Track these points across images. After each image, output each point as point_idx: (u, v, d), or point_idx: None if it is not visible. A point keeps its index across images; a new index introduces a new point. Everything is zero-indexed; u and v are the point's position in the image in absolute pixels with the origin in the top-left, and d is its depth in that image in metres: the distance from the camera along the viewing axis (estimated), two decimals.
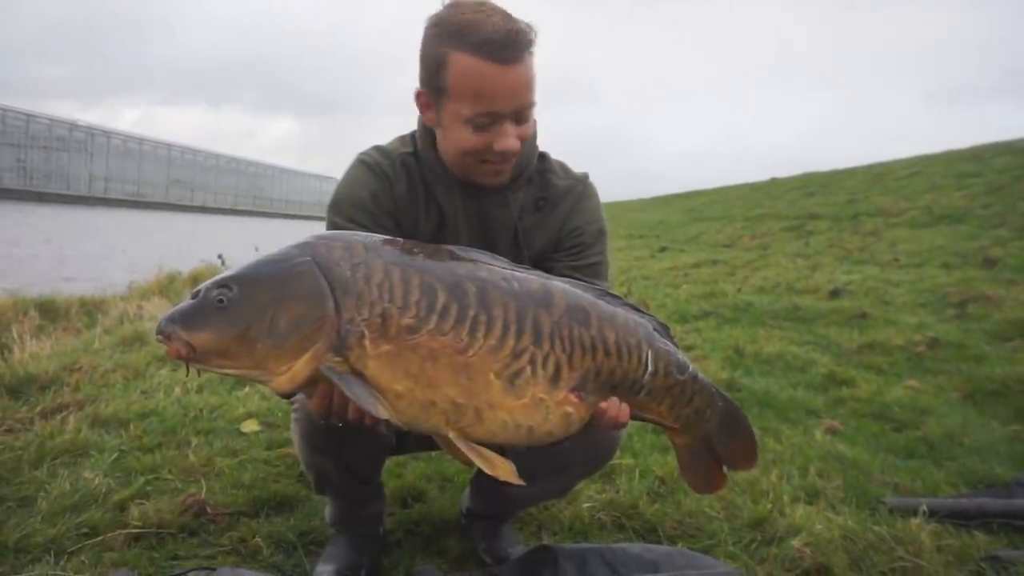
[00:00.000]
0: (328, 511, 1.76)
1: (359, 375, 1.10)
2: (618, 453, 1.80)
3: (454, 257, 1.21)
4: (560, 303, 1.21)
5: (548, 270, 1.37)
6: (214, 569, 1.58)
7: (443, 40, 1.32)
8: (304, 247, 1.15)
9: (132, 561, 1.66)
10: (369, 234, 1.24)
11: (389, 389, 1.11)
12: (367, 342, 1.10)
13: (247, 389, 2.93)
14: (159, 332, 1.08)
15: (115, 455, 2.21)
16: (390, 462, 2.09)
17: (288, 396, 1.28)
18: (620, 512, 2.01)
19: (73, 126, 37.25)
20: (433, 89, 1.36)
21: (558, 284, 1.25)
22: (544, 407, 1.18)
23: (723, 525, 1.97)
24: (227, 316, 1.08)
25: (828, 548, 1.80)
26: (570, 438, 1.25)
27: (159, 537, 1.77)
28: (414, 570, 1.69)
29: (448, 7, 1.36)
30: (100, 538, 1.74)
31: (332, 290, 1.10)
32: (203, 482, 2.06)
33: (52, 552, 1.65)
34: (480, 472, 1.45)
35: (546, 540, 1.88)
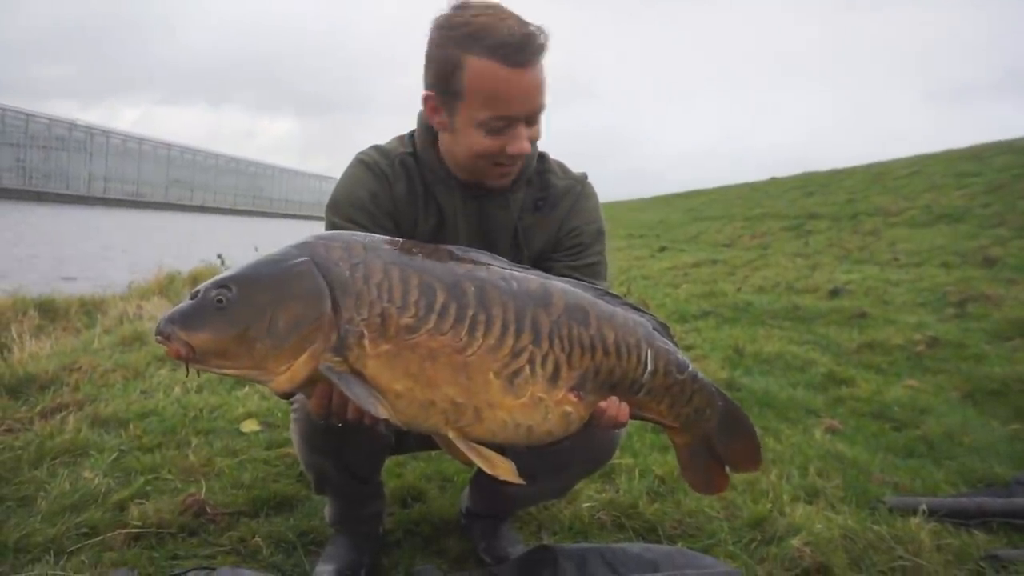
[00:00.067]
0: (328, 511, 1.76)
1: (358, 375, 1.10)
2: (618, 453, 1.80)
3: (453, 257, 1.21)
4: (559, 302, 1.21)
5: (547, 270, 1.37)
6: (214, 569, 1.58)
7: (456, 43, 1.31)
8: (303, 247, 1.15)
9: (132, 561, 1.66)
10: (368, 234, 1.24)
11: (388, 389, 1.11)
12: (366, 342, 1.10)
13: (247, 389, 2.93)
14: (158, 332, 1.09)
15: (115, 455, 2.21)
16: (390, 462, 2.09)
17: (287, 396, 1.28)
18: (620, 512, 2.01)
19: (72, 126, 37.24)
20: (445, 92, 1.35)
21: (557, 283, 1.25)
22: (543, 406, 1.18)
23: (723, 525, 1.97)
24: (226, 316, 1.08)
25: (828, 547, 1.80)
26: (569, 437, 1.25)
27: (159, 537, 1.77)
28: (414, 570, 1.69)
29: (456, 9, 1.35)
30: (100, 538, 1.74)
31: (331, 290, 1.10)
32: (203, 482, 2.06)
33: (52, 552, 1.65)
34: (480, 472, 1.45)
35: (546, 540, 1.88)
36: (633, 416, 1.30)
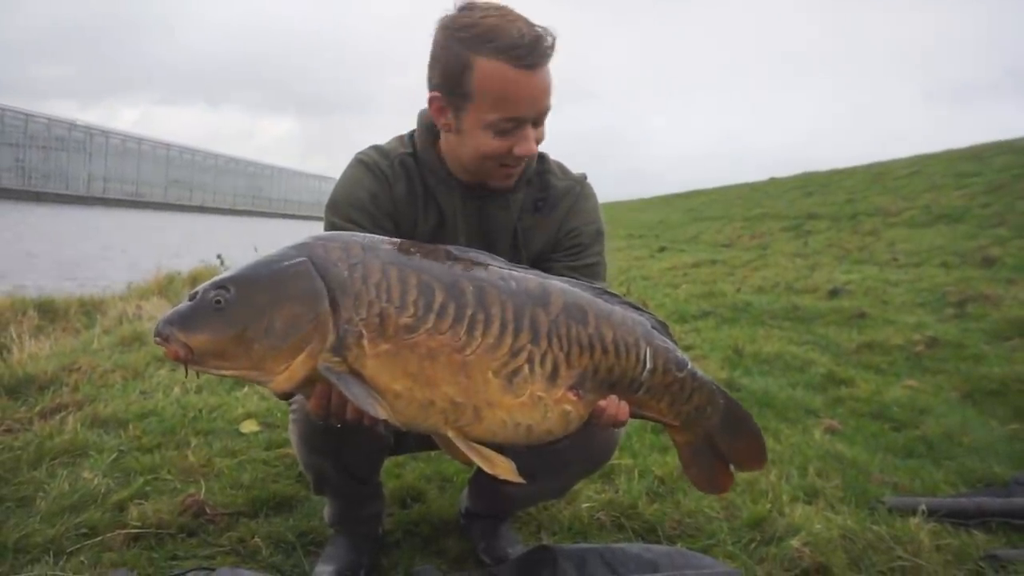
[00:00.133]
0: (327, 511, 1.76)
1: (357, 375, 1.10)
2: (617, 453, 1.80)
3: (451, 257, 1.21)
4: (557, 301, 1.21)
5: (546, 270, 1.37)
6: (213, 569, 1.58)
7: (465, 44, 1.31)
8: (301, 248, 1.15)
9: (131, 561, 1.66)
10: (366, 234, 1.24)
11: (388, 389, 1.11)
12: (365, 342, 1.10)
13: (246, 389, 2.93)
14: (157, 334, 1.09)
15: (114, 455, 2.21)
16: (389, 462, 2.09)
17: (286, 397, 1.28)
18: (619, 512, 2.01)
19: (72, 126, 37.23)
20: (453, 93, 1.35)
21: (556, 283, 1.25)
22: (542, 405, 1.18)
23: (722, 525, 1.97)
24: (224, 317, 1.08)
25: (827, 548, 1.80)
26: (569, 436, 1.25)
27: (158, 537, 1.77)
28: (413, 570, 1.69)
29: (462, 10, 1.35)
30: (99, 538, 1.74)
31: (330, 290, 1.10)
32: (202, 482, 2.05)
33: (51, 552, 1.65)
34: (479, 472, 1.45)
35: (545, 540, 1.88)
36: (633, 415, 1.30)
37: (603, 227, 1.59)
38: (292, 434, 1.55)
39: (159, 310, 4.77)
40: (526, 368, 1.16)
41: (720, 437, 1.37)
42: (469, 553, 1.80)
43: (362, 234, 1.24)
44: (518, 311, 1.17)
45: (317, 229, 1.37)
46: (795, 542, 1.81)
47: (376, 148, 1.53)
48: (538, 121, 1.37)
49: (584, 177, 1.61)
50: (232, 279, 1.11)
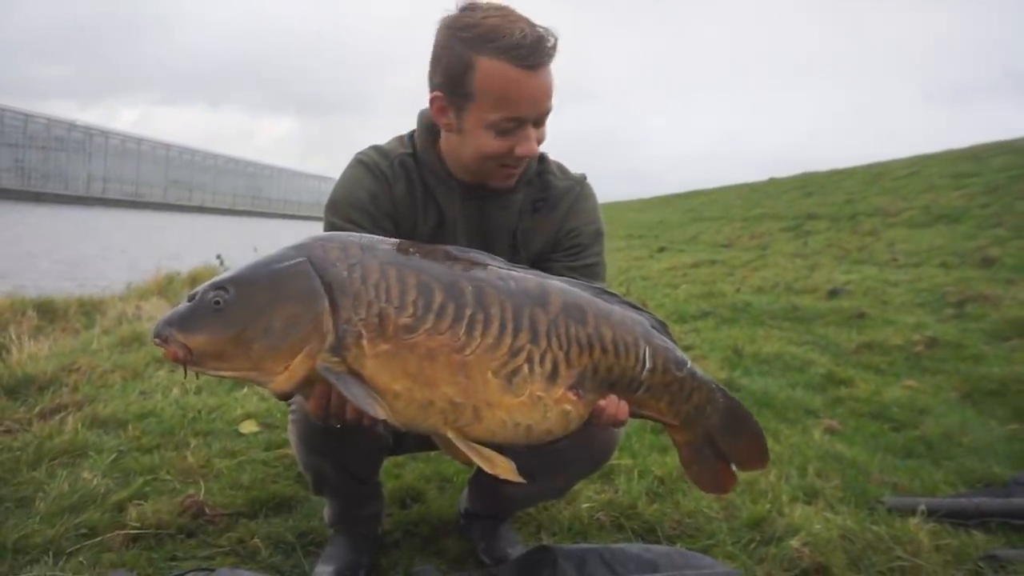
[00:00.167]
0: (326, 512, 1.76)
1: (357, 375, 1.10)
2: (617, 453, 1.80)
3: (450, 257, 1.21)
4: (556, 301, 1.21)
5: (546, 271, 1.37)
6: (213, 570, 1.58)
7: (468, 44, 1.31)
8: (300, 248, 1.15)
9: (130, 562, 1.66)
10: (365, 235, 1.24)
11: (387, 389, 1.11)
12: (364, 342, 1.10)
13: (245, 390, 2.93)
14: (156, 335, 1.09)
15: (113, 456, 2.21)
16: (388, 463, 2.09)
17: (286, 397, 1.28)
18: (619, 512, 2.01)
19: (71, 126, 37.22)
20: (454, 93, 1.35)
21: (555, 282, 1.25)
22: (542, 405, 1.18)
23: (722, 525, 1.97)
24: (223, 318, 1.08)
25: (827, 548, 1.80)
26: (569, 436, 1.25)
27: (157, 538, 1.77)
28: (413, 570, 1.69)
29: (464, 10, 1.35)
30: (98, 539, 1.73)
31: (329, 290, 1.10)
32: (201, 483, 2.05)
33: (50, 553, 1.65)
34: (479, 472, 1.45)
35: (545, 540, 1.88)
36: (633, 414, 1.30)
37: (603, 227, 1.59)
38: (291, 434, 1.55)
39: (159, 310, 4.77)
40: (525, 368, 1.16)
41: (720, 436, 1.37)
42: (469, 553, 1.80)
43: (361, 234, 1.24)
44: (517, 311, 1.17)
45: (317, 229, 1.37)
46: (795, 542, 1.81)
47: (376, 148, 1.53)
48: (539, 121, 1.38)
49: (584, 177, 1.61)
50: (231, 280, 1.11)
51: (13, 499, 1.93)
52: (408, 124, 1.56)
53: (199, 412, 2.65)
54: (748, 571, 1.74)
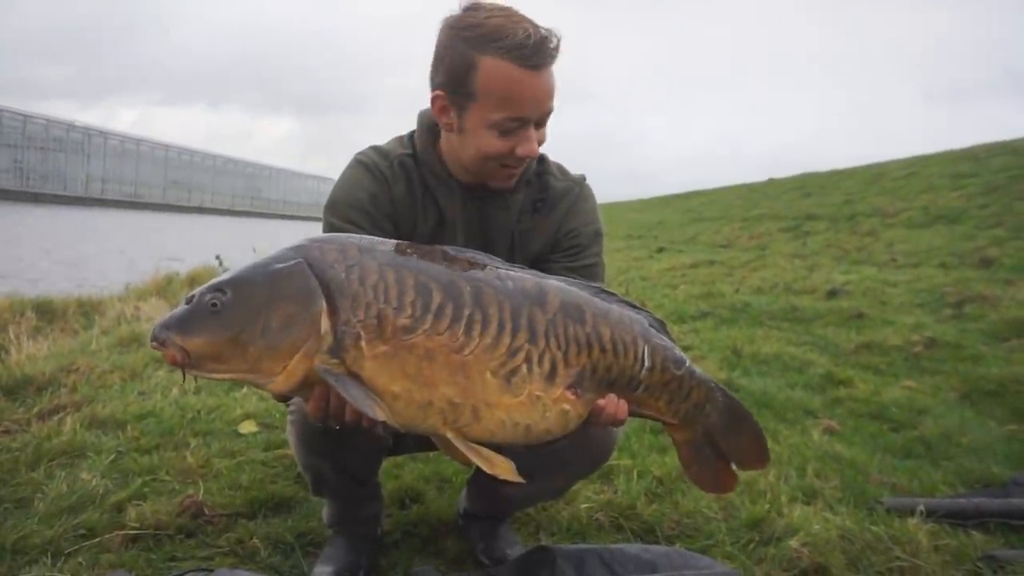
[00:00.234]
0: (326, 512, 1.76)
1: (356, 377, 1.10)
2: (616, 453, 1.80)
3: (448, 257, 1.21)
4: (555, 300, 1.21)
5: (545, 271, 1.37)
6: (212, 571, 1.58)
7: (470, 43, 1.31)
8: (298, 250, 1.15)
9: (129, 563, 1.66)
10: (363, 236, 1.24)
11: (386, 390, 1.11)
12: (363, 343, 1.10)
13: (244, 391, 2.93)
14: (153, 339, 1.09)
15: (112, 456, 2.21)
16: (388, 463, 2.09)
17: (285, 399, 1.28)
18: (618, 512, 2.01)
19: (70, 127, 37.19)
20: (456, 92, 1.35)
21: (553, 282, 1.25)
22: (541, 405, 1.18)
23: (721, 525, 1.97)
24: (220, 319, 1.08)
25: (826, 548, 1.80)
26: (568, 436, 1.25)
27: (156, 538, 1.77)
28: (412, 571, 1.69)
29: (467, 10, 1.35)
30: (97, 539, 1.73)
31: (327, 292, 1.10)
32: (201, 483, 2.05)
33: (49, 553, 1.65)
34: (478, 472, 1.45)
35: (544, 541, 1.88)
36: (632, 413, 1.30)
37: (602, 228, 1.59)
38: (290, 435, 1.55)
39: (157, 311, 4.77)
40: (524, 368, 1.16)
41: (720, 435, 1.37)
42: (468, 554, 1.80)
43: (359, 236, 1.24)
44: (515, 311, 1.17)
45: (316, 230, 1.37)
46: (793, 542, 1.81)
47: (375, 149, 1.53)
48: (541, 122, 1.38)
49: (583, 178, 1.61)
50: (228, 282, 1.12)
51: (12, 500, 1.93)
52: (408, 125, 1.57)
53: (198, 412, 2.65)
54: (747, 571, 1.74)
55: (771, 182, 21.05)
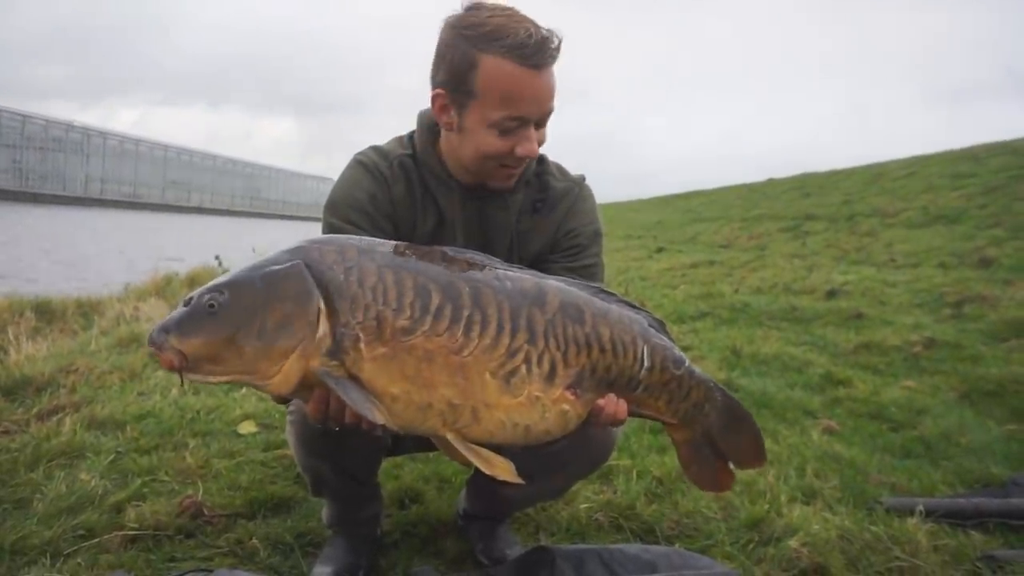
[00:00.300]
0: (325, 513, 1.76)
1: (355, 379, 1.10)
2: (615, 453, 1.80)
3: (447, 258, 1.21)
4: (554, 301, 1.21)
5: (544, 271, 1.37)
6: (211, 571, 1.58)
7: (472, 42, 1.31)
8: (296, 251, 1.15)
9: (128, 563, 1.66)
10: (362, 237, 1.24)
11: (385, 392, 1.11)
12: (362, 345, 1.10)
13: (244, 391, 2.93)
14: (151, 342, 1.08)
15: (112, 457, 2.21)
16: (387, 463, 2.09)
17: (285, 400, 1.28)
18: (617, 513, 2.01)
19: (69, 127, 37.17)
20: (457, 91, 1.35)
21: (552, 282, 1.25)
22: (540, 405, 1.18)
23: (720, 525, 1.97)
24: (217, 320, 1.08)
25: (825, 548, 1.81)
26: (567, 436, 1.25)
27: (156, 539, 1.77)
28: (411, 571, 1.69)
29: (469, 9, 1.35)
30: (96, 540, 1.73)
31: (326, 294, 1.10)
32: (200, 484, 2.05)
33: (48, 554, 1.65)
34: (477, 473, 1.45)
35: (543, 541, 1.88)
36: (631, 413, 1.30)
37: (601, 228, 1.59)
38: (290, 436, 1.55)
39: (157, 311, 4.77)
40: (523, 368, 1.16)
41: (719, 435, 1.37)
42: (467, 554, 1.80)
43: (357, 237, 1.24)
44: (515, 311, 1.17)
45: (316, 230, 1.37)
46: (793, 542, 1.81)
47: (375, 149, 1.53)
48: (541, 122, 1.38)
49: (583, 178, 1.61)
50: (226, 283, 1.11)
51: (11, 500, 1.92)
52: (407, 125, 1.57)
53: (197, 413, 2.65)
54: (746, 571, 1.74)
55: (770, 182, 21.05)
